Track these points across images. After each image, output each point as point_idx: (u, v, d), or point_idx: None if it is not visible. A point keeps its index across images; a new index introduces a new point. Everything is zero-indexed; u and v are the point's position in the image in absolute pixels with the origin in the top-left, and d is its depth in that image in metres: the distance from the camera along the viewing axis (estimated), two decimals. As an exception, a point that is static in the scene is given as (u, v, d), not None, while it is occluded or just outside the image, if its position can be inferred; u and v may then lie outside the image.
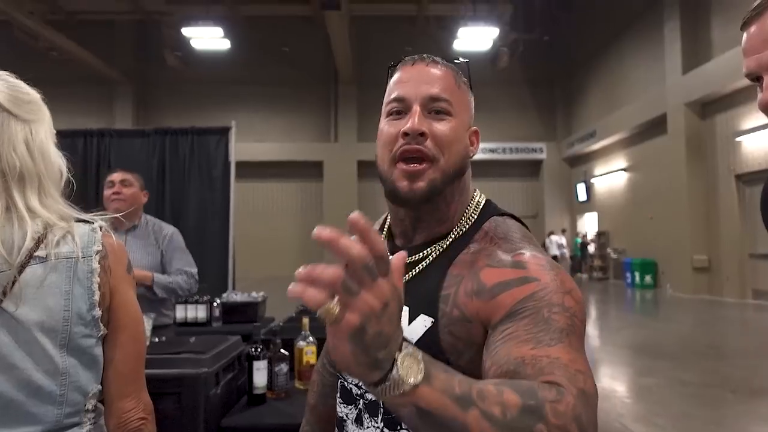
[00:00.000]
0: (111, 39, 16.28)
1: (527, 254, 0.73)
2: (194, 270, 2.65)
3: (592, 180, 16.16)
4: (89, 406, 0.89)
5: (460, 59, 0.86)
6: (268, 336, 2.13)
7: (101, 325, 0.90)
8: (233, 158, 4.39)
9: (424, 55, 0.83)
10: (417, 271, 0.78)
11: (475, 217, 0.81)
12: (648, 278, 12.86)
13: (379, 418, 0.77)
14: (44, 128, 0.94)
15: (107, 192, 2.53)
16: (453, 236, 0.80)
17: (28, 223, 0.85)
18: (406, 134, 0.76)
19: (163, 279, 2.52)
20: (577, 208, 17.38)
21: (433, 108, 0.78)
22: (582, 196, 16.61)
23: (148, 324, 2.03)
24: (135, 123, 16.03)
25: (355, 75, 16.38)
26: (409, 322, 0.75)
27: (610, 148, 14.97)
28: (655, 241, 12.65)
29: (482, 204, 0.83)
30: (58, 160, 0.95)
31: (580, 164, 17.01)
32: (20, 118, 0.90)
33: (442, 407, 0.51)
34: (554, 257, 15.66)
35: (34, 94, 0.96)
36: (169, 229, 2.67)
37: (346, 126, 17.33)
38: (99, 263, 0.90)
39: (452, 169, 0.78)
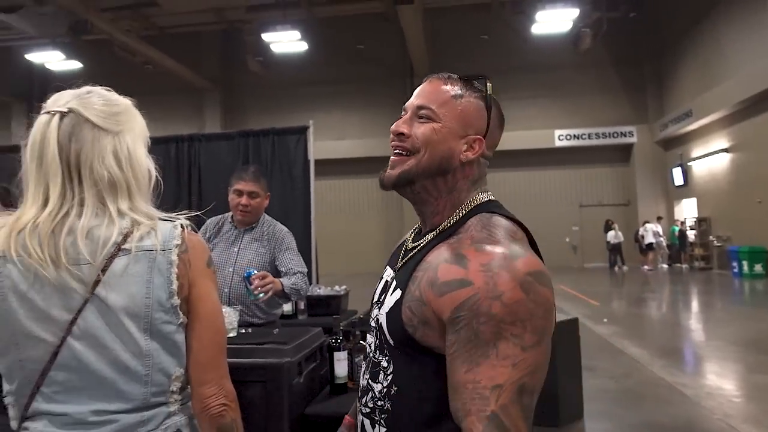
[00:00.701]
0: (198, 49, 17.23)
1: (477, 252, 0.82)
2: (305, 270, 2.68)
3: (690, 163, 15.02)
4: (174, 388, 0.98)
5: (480, 78, 0.98)
6: (347, 328, 2.15)
7: (180, 313, 0.97)
8: (312, 157, 4.48)
9: (436, 74, 0.99)
10: (412, 254, 0.95)
11: (465, 212, 0.93)
12: (758, 267, 11.77)
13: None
14: (132, 135, 1.03)
15: (235, 200, 2.63)
16: (440, 228, 0.94)
17: (116, 222, 0.96)
18: (392, 133, 0.97)
19: (288, 282, 2.54)
20: (673, 194, 16.24)
21: (420, 114, 0.95)
22: (678, 180, 15.49)
23: (234, 316, 2.11)
24: (223, 127, 16.87)
25: (431, 68, 16.24)
26: (391, 293, 0.92)
27: (709, 128, 13.83)
28: (765, 227, 11.55)
29: (479, 202, 0.95)
30: (147, 163, 1.04)
31: (675, 147, 15.86)
32: (110, 131, 0.99)
33: None
34: (649, 245, 14.74)
35: (123, 103, 1.05)
36: (282, 231, 2.72)
37: (423, 120, 17.28)
38: (178, 256, 0.98)
39: (430, 164, 0.93)
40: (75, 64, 14.59)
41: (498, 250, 0.81)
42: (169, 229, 0.99)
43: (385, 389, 0.90)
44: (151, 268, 0.95)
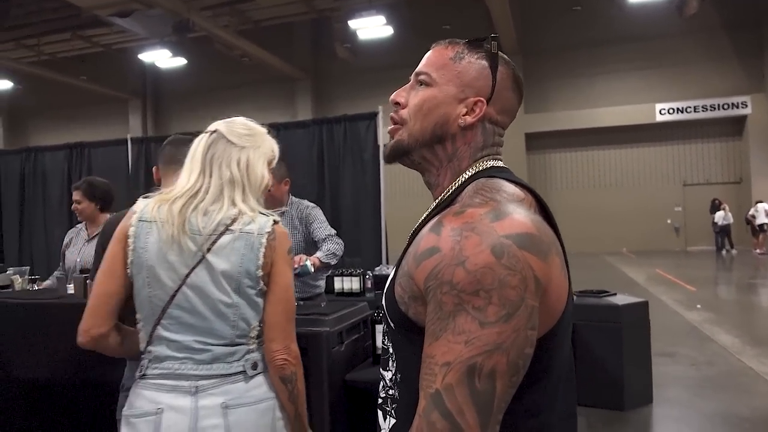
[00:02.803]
0: (290, 40, 17.93)
1: (454, 216, 0.74)
2: (334, 232, 3.00)
3: (815, 135, 13.45)
4: (253, 334, 1.33)
5: (482, 38, 0.92)
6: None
7: (261, 282, 1.33)
8: (381, 141, 4.66)
9: (440, 41, 0.94)
10: (414, 230, 0.87)
11: (464, 179, 0.86)
12: None
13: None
14: (256, 152, 1.40)
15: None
16: (439, 199, 0.88)
17: (227, 209, 1.33)
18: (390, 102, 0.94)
19: (321, 254, 2.85)
20: (794, 170, 14.64)
21: (419, 80, 0.91)
22: (801, 155, 13.94)
23: None
24: (314, 114, 17.53)
25: (519, 45, 15.76)
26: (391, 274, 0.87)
27: (839, 95, 12.27)
28: None
29: (481, 169, 0.87)
30: (262, 172, 1.40)
31: (797, 117, 14.26)
32: (237, 145, 1.39)
33: None
34: (761, 227, 13.49)
35: (256, 129, 1.44)
36: (307, 207, 3.07)
37: (511, 98, 16.82)
38: (267, 241, 1.33)
39: (422, 132, 0.88)
40: (180, 61, 15.79)
41: (478, 211, 0.73)
42: (265, 221, 1.35)
43: (393, 377, 0.86)
44: (247, 246, 1.31)
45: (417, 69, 0.92)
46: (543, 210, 0.81)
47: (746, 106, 14.95)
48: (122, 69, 18.50)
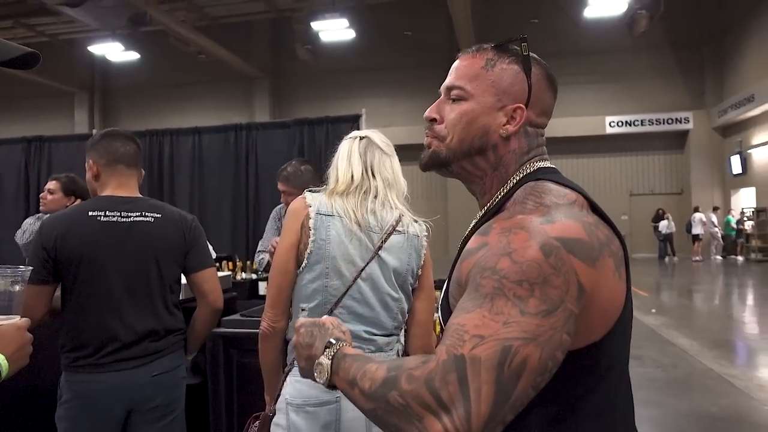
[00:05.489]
0: (249, 38, 17.60)
1: (504, 220, 0.74)
2: None
3: (749, 151, 14.38)
4: (400, 325, 1.51)
5: (514, 40, 0.90)
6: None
7: (417, 281, 1.52)
8: (364, 144, 4.63)
9: (467, 49, 0.92)
10: (464, 238, 0.87)
11: (512, 185, 0.85)
12: (821, 260, 11.25)
13: None
14: (396, 161, 1.60)
15: (282, 198, 2.90)
16: (488, 206, 0.88)
17: (393, 210, 1.49)
18: (425, 119, 0.93)
19: None
20: (730, 183, 15.61)
21: (452, 96, 0.89)
22: (737, 168, 14.85)
23: None
24: (272, 115, 17.25)
25: (478, 53, 16.04)
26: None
27: (773, 114, 13.20)
28: (831, 218, 11.00)
29: (529, 171, 0.86)
30: (403, 180, 1.58)
31: (734, 133, 15.21)
32: (387, 153, 1.56)
33: (345, 389, 0.74)
34: (696, 237, 14.27)
35: (390, 142, 1.62)
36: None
37: (469, 106, 17.14)
38: (426, 243, 1.54)
39: (460, 146, 0.87)
40: (133, 55, 15.22)
41: (529, 216, 0.72)
42: (422, 225, 1.54)
43: None
44: (413, 247, 1.50)
45: (448, 83, 0.89)
46: (595, 209, 0.79)
47: (688, 121, 15.85)
48: (69, 61, 17.59)
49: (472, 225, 0.89)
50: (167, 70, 17.73)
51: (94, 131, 4.92)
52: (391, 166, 1.55)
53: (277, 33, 17.71)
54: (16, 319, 1.08)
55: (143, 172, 1.94)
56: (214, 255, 2.84)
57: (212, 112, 16.82)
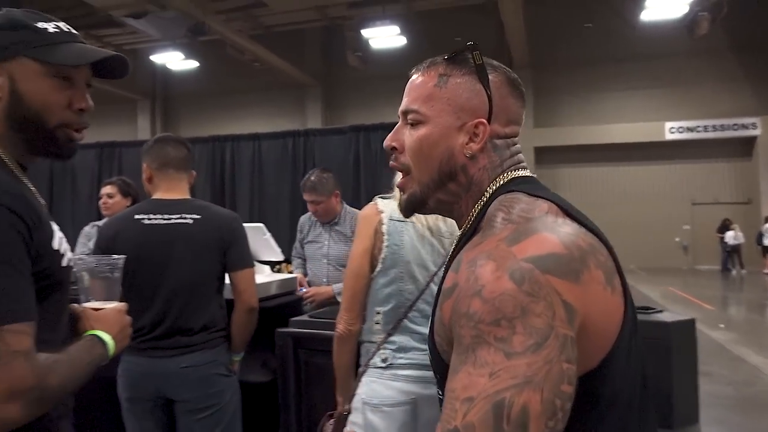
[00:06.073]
0: (301, 46, 17.96)
1: (470, 249, 0.68)
2: None
3: (824, 158, 13.53)
4: None
5: (461, 49, 0.81)
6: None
7: None
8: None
9: (418, 66, 0.86)
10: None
11: (485, 200, 0.78)
12: None
13: None
14: None
15: (309, 207, 2.99)
16: (464, 227, 0.81)
17: None
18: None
19: (338, 288, 2.93)
20: (803, 192, 14.71)
21: (408, 121, 0.82)
22: (809, 177, 14.01)
23: None
24: (324, 122, 17.52)
25: (530, 58, 15.86)
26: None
27: None
28: None
29: (501, 184, 0.79)
30: None
31: (806, 140, 14.36)
32: None
33: None
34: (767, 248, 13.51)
35: None
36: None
37: (521, 112, 16.88)
38: None
39: (429, 177, 0.81)
40: (192, 64, 15.78)
41: (496, 237, 0.66)
42: None
43: None
44: None
45: (402, 106, 0.84)
46: (574, 216, 0.70)
47: (756, 127, 15.05)
48: (133, 70, 18.27)
49: (449, 254, 0.84)
50: (223, 78, 18.31)
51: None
52: None
53: (328, 41, 18.01)
54: (115, 304, 1.16)
55: (194, 174, 2.05)
56: (281, 257, 2.91)
57: (265, 118, 17.24)
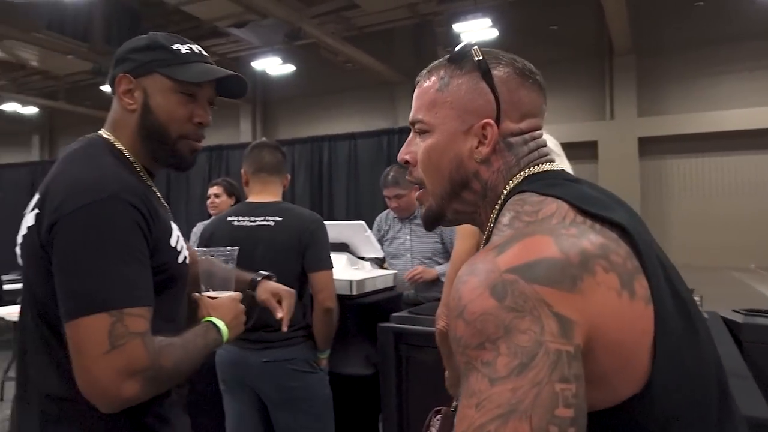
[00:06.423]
0: (392, 45, 18.15)
1: (471, 263, 0.61)
2: None
3: None
4: None
5: (459, 46, 0.77)
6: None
7: None
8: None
9: (422, 72, 0.83)
10: None
11: (499, 207, 0.74)
12: None
13: None
14: (566, 161, 1.64)
15: (388, 203, 3.07)
16: (484, 240, 0.75)
17: None
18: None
19: (441, 269, 2.95)
20: None
21: (416, 131, 0.81)
22: None
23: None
24: (414, 119, 17.58)
25: (633, 43, 14.92)
26: None
27: None
28: None
29: (514, 184, 0.74)
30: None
31: None
32: (557, 153, 1.56)
33: None
34: None
35: (557, 142, 1.64)
36: None
37: (623, 101, 15.96)
38: None
39: (442, 189, 0.77)
40: (289, 68, 16.47)
41: (488, 246, 0.61)
42: None
43: None
44: None
45: (410, 117, 0.82)
46: (590, 213, 0.63)
47: None
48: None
49: None
50: (317, 80, 18.94)
51: (263, 138, 5.45)
52: (568, 167, 1.57)
53: (418, 38, 18.05)
54: (230, 293, 1.28)
55: (288, 177, 2.21)
56: (381, 253, 3.00)
57: (358, 117, 17.64)
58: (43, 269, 1.03)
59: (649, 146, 15.56)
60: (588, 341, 0.54)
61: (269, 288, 1.57)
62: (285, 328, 1.49)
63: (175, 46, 1.23)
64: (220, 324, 1.19)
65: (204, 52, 1.28)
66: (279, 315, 1.49)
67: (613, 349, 0.56)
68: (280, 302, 1.51)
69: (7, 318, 3.98)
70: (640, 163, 15.56)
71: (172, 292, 1.17)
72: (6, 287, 5.52)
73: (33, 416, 1.09)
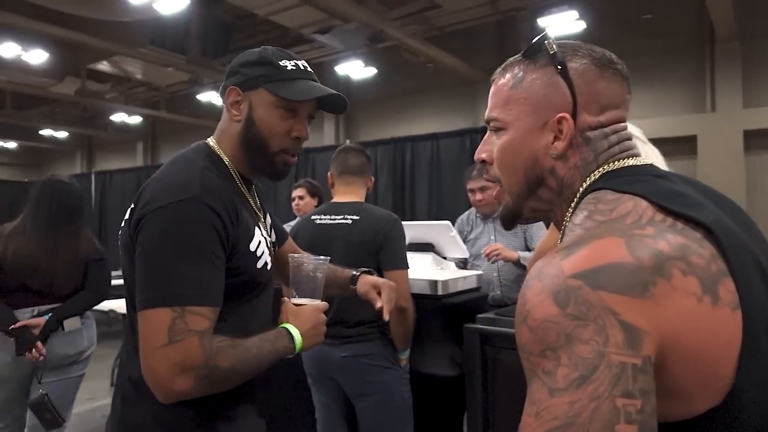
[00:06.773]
0: (472, 43, 17.94)
1: (539, 266, 0.58)
2: None
3: None
4: None
5: (536, 42, 0.74)
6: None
7: None
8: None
9: (497, 69, 0.82)
10: None
11: (574, 205, 0.71)
12: None
13: None
14: (655, 149, 1.54)
15: (472, 198, 3.04)
16: (559, 239, 0.72)
17: None
18: None
19: (523, 254, 2.97)
20: None
21: (492, 129, 0.80)
22: None
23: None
24: (496, 117, 17.27)
25: (736, 30, 13.78)
26: None
27: None
28: None
29: (589, 182, 0.71)
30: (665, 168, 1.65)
31: None
32: (645, 142, 1.50)
33: None
34: None
35: (641, 131, 1.56)
36: None
37: (726, 92, 14.76)
38: None
39: (518, 188, 0.77)
40: (371, 71, 16.74)
41: (557, 248, 0.59)
42: None
43: None
44: None
45: (486, 115, 0.81)
46: (673, 211, 0.58)
47: None
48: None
49: None
50: (397, 82, 19.09)
51: (348, 141, 5.56)
52: (656, 156, 1.48)
53: (501, 35, 17.72)
54: (316, 302, 1.27)
55: (372, 179, 2.26)
56: (467, 254, 2.99)
57: (439, 117, 17.60)
58: (131, 260, 1.10)
59: (756, 140, 14.29)
60: (661, 351, 0.51)
61: (369, 281, 1.59)
62: (387, 316, 1.50)
63: (283, 62, 1.28)
64: (295, 332, 1.18)
65: (309, 68, 1.33)
66: (378, 305, 1.50)
67: (690, 359, 0.53)
68: (379, 293, 1.53)
69: (118, 310, 4.35)
70: (746, 158, 14.32)
71: (248, 296, 1.20)
72: (116, 282, 6.02)
73: (117, 397, 1.18)
